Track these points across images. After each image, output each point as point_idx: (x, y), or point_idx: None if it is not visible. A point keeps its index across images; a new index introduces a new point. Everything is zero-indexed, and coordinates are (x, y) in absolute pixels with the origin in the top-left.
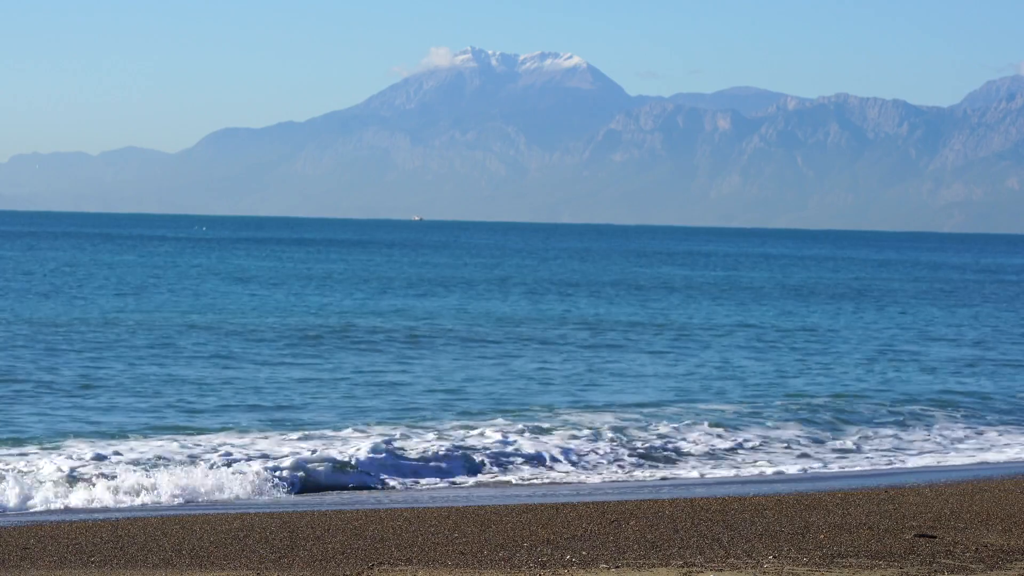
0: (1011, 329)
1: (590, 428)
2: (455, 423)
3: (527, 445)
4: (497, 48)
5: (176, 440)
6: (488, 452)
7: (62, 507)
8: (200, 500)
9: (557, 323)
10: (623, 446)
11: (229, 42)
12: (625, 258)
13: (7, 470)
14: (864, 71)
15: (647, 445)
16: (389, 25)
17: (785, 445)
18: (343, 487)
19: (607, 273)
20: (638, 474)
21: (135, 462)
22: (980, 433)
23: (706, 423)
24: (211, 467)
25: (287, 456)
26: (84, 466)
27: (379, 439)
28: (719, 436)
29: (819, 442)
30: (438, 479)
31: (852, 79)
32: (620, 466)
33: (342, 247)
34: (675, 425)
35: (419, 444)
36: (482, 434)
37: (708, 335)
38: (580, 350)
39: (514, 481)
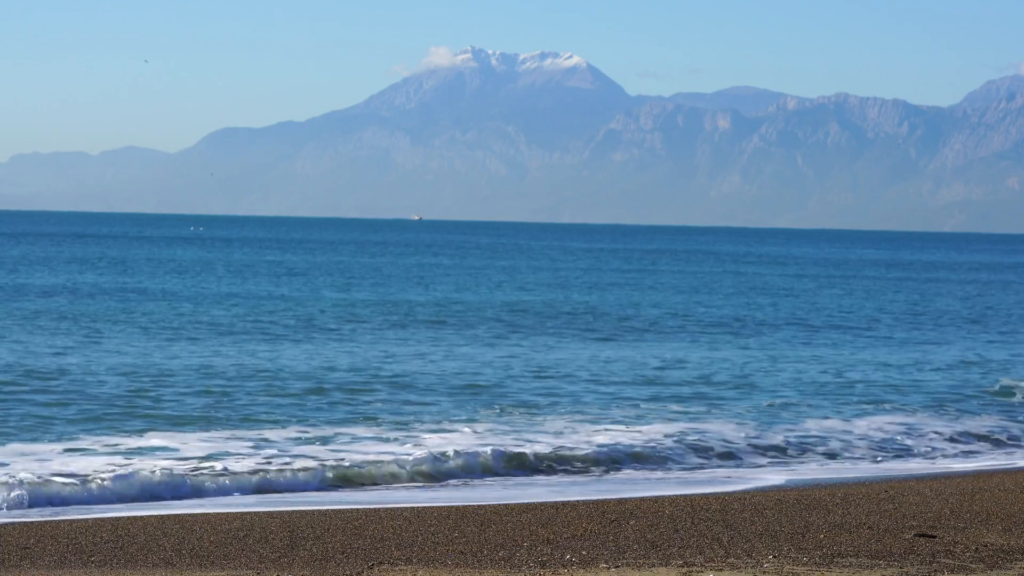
0: None
1: None
2: None
3: None
4: (497, 48)
5: None
6: None
7: None
8: None
9: None
10: None
11: (229, 42)
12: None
13: None
14: (864, 71)
15: None
16: (389, 25)
17: None
18: None
19: None
20: None
21: None
22: None
23: None
24: None
25: None
26: None
27: None
28: None
29: None
30: None
31: (852, 79)
32: None
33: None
34: None
35: None
36: None
37: None
38: None
39: None
